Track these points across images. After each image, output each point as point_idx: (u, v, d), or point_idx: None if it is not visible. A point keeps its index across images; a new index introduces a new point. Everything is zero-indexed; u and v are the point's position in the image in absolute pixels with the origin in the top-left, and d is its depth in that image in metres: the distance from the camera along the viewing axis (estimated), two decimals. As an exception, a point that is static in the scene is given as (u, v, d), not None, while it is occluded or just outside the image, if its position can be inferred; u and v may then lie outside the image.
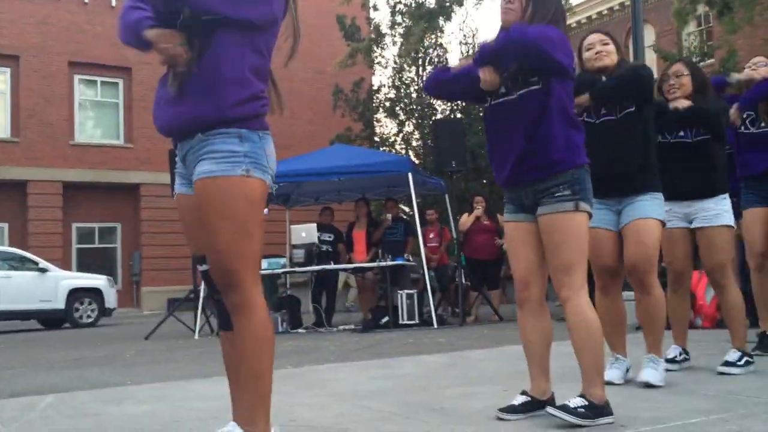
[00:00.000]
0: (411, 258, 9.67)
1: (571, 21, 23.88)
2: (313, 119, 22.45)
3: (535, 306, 2.82)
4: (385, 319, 8.79)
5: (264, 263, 9.84)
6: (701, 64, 18.04)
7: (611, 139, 3.44)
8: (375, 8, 19.49)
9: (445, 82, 2.96)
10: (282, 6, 2.21)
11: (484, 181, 16.93)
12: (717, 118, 3.84)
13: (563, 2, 16.69)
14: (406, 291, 8.81)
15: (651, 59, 16.44)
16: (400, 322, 8.67)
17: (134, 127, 21.65)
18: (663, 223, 3.49)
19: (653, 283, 3.43)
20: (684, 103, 3.80)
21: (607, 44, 3.56)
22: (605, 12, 24.51)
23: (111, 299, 14.70)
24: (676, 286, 4.01)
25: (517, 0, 2.79)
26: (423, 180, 10.55)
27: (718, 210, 3.82)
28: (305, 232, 9.53)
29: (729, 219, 3.85)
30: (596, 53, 3.55)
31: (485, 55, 2.74)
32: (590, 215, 2.75)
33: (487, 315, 10.00)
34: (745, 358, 3.76)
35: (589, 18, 24.95)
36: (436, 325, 8.58)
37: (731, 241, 3.93)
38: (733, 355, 3.77)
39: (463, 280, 9.37)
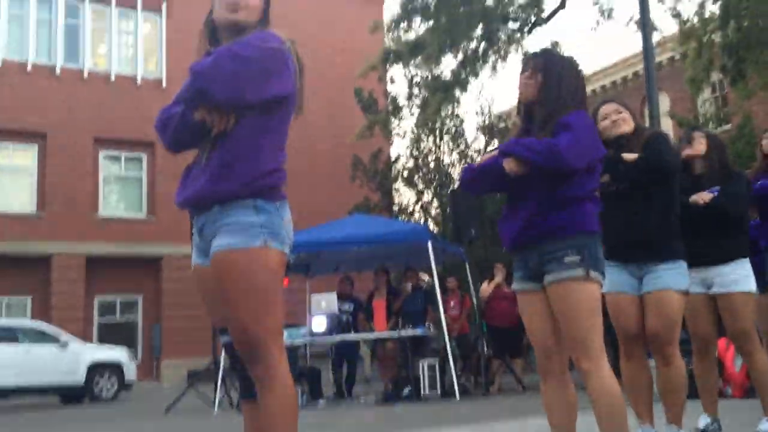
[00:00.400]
0: (432, 327, 9.57)
1: (586, 90, 24.27)
2: (332, 190, 22.67)
3: (558, 377, 2.75)
4: (407, 390, 8.65)
5: (285, 333, 9.77)
6: (718, 129, 18.13)
7: (629, 206, 3.38)
8: (392, 81, 19.94)
9: (475, 180, 2.92)
10: (293, 81, 2.28)
11: (504, 248, 16.86)
12: (737, 204, 3.83)
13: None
14: (427, 361, 8.69)
15: (667, 125, 16.55)
16: (422, 392, 8.52)
17: (157, 201, 21.99)
18: (686, 292, 3.39)
19: (674, 354, 3.35)
20: (705, 197, 3.79)
21: (621, 113, 3.54)
22: (619, 81, 24.85)
23: (131, 373, 14.62)
24: (702, 354, 3.92)
25: (538, 73, 2.77)
26: (442, 248, 10.54)
27: (736, 276, 3.76)
28: (325, 302, 9.49)
29: (748, 284, 3.78)
30: (612, 121, 3.52)
31: (511, 152, 2.71)
32: (601, 285, 2.68)
33: (510, 384, 9.80)
34: None
35: (603, 87, 25.29)
36: (458, 396, 8.41)
37: (752, 306, 3.85)
38: (765, 425, 3.65)
39: (485, 349, 9.23)
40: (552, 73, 2.76)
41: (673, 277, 3.33)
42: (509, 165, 2.67)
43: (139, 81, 22.43)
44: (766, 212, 4.44)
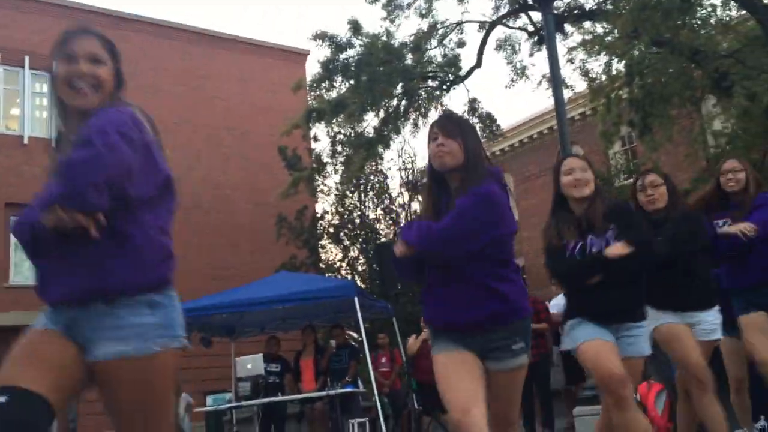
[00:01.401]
0: (361, 384, 9.43)
1: (503, 146, 25.04)
2: (256, 249, 22.34)
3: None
4: (337, 451, 8.44)
5: (209, 400, 9.45)
6: (628, 180, 18.92)
7: (604, 281, 3.37)
8: (315, 139, 20.05)
9: (403, 268, 2.91)
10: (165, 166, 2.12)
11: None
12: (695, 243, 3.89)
13: (495, 127, 17.55)
14: (357, 420, 8.53)
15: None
16: (353, 453, 8.33)
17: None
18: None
19: (631, 403, 3.30)
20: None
21: (585, 171, 3.48)
22: (535, 136, 25.76)
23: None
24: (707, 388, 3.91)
25: (454, 142, 2.66)
26: (370, 304, 10.49)
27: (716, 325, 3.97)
28: (251, 364, 9.25)
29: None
30: (576, 180, 3.46)
31: (401, 237, 2.69)
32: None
33: (441, 440, 9.70)
34: None
35: (521, 142, 26.16)
36: (389, 455, 8.27)
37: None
38: None
39: (416, 405, 9.14)
40: (468, 140, 2.70)
41: (644, 343, 3.46)
42: (398, 249, 2.68)
43: (53, 143, 21.79)
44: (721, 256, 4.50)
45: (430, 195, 2.80)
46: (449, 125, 2.72)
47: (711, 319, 3.89)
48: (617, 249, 3.30)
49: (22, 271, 21.30)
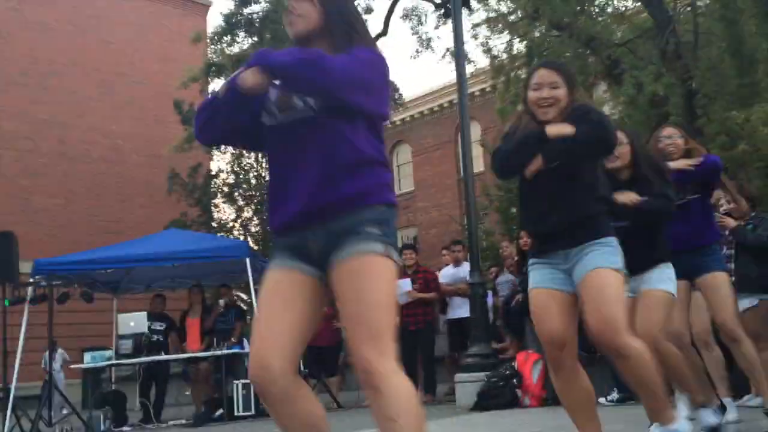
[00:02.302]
0: (247, 345, 9.38)
1: (403, 116, 25.22)
2: (147, 203, 21.62)
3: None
4: (220, 412, 8.38)
5: (87, 357, 9.15)
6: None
7: (551, 190, 2.93)
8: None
9: (213, 116, 2.16)
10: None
11: (271, 232, 17.02)
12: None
13: (397, 96, 17.62)
14: (242, 381, 8.49)
15: (478, 152, 17.60)
16: (236, 413, 8.30)
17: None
18: (622, 273, 2.89)
19: (627, 343, 2.78)
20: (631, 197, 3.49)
21: (556, 88, 2.95)
22: (436, 108, 26.09)
23: None
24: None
25: (303, 5, 2.17)
26: (262, 266, 10.38)
27: (663, 277, 3.58)
28: (134, 321, 9.00)
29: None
30: (540, 98, 2.97)
31: (267, 64, 2.02)
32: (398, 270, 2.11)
33: (326, 402, 9.82)
34: None
35: (421, 113, 26.43)
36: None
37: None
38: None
39: (302, 368, 9.19)
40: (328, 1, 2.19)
41: (604, 255, 2.85)
42: (247, 78, 2.00)
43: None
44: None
45: None
46: None
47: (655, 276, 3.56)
48: (558, 128, 2.87)
49: None
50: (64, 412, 8.98)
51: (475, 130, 21.18)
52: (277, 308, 2.07)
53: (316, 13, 2.16)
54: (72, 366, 10.86)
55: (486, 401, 6.92)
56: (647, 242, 3.57)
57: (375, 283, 2.00)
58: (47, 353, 11.06)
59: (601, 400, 5.64)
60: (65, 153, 20.88)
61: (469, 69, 12.72)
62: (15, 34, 20.51)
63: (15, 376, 8.13)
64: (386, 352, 1.94)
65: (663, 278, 3.55)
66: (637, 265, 3.50)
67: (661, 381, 2.94)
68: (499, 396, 6.90)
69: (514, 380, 6.94)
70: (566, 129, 2.85)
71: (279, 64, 2.00)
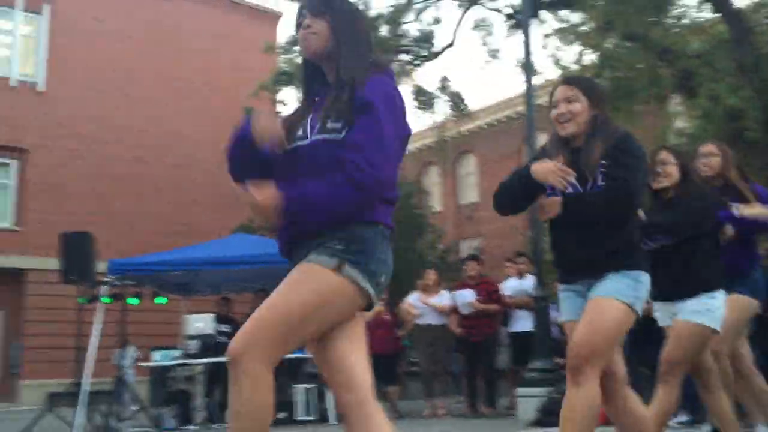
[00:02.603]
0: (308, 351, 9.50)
1: (470, 126, 25.12)
2: (216, 208, 22.16)
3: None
4: (281, 415, 8.51)
5: (156, 355, 9.43)
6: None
7: (575, 226, 2.85)
8: (284, 103, 19.84)
9: (235, 159, 2.38)
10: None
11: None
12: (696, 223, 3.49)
13: (463, 107, 17.59)
14: (303, 385, 8.60)
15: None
16: (296, 417, 8.41)
17: (25, 211, 20.70)
18: (632, 308, 2.76)
19: (586, 375, 2.69)
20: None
21: (572, 102, 2.91)
22: (503, 119, 25.90)
23: (-17, 393, 13.58)
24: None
25: (319, 22, 2.13)
26: (325, 272, 10.51)
27: (699, 308, 3.41)
28: (201, 323, 9.24)
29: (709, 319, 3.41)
30: (558, 114, 2.95)
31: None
32: (359, 287, 2.01)
33: (385, 411, 9.84)
34: None
35: (488, 124, 26.27)
36: (333, 421, 8.37)
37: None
38: None
39: (362, 375, 9.24)
40: (341, 19, 2.14)
41: (618, 285, 2.75)
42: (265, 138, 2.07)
43: (13, 83, 21.18)
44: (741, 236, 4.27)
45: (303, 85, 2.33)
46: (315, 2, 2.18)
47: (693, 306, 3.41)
48: (551, 203, 2.85)
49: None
50: (134, 408, 9.27)
51: (542, 142, 20.94)
52: None
53: (329, 31, 2.13)
54: (141, 364, 11.20)
55: (547, 417, 6.81)
56: (684, 267, 3.43)
57: (286, 285, 2.01)
58: (119, 351, 11.47)
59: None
60: (141, 157, 21.63)
61: (537, 80, 12.62)
62: (96, 42, 21.42)
63: (88, 372, 8.46)
64: (251, 346, 1.93)
65: (698, 308, 3.39)
66: (672, 291, 3.44)
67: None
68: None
69: (577, 397, 6.81)
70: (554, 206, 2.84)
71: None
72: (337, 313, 2.05)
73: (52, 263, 11.92)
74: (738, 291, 3.91)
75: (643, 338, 3.64)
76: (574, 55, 13.98)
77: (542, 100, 22.61)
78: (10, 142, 20.53)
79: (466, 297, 8.83)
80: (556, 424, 5.59)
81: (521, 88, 10.02)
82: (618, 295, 2.73)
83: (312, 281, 1.99)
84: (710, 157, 4.03)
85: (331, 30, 2.13)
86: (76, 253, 8.41)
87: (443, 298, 9.33)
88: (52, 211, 19.87)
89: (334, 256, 2.00)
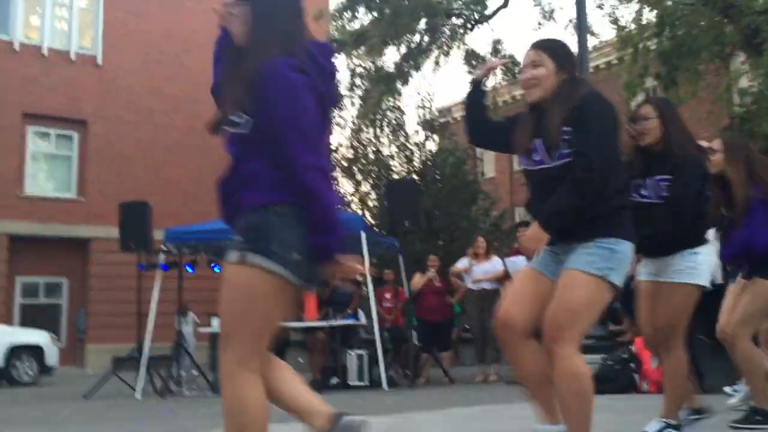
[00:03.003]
0: (363, 317, 9.59)
1: (506, 98, 24.63)
2: (270, 177, 22.39)
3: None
4: (334, 379, 8.63)
5: (214, 321, 9.63)
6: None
7: (549, 189, 2.71)
8: (335, 70, 19.84)
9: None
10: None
11: (439, 242, 17.03)
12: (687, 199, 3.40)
13: (517, 71, 17.23)
14: (356, 351, 8.69)
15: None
16: (349, 383, 8.52)
17: (87, 181, 21.32)
18: (605, 280, 2.63)
19: (562, 353, 2.60)
20: None
21: (538, 66, 2.77)
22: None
23: (53, 357, 14.16)
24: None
25: (241, 5, 2.14)
26: (377, 240, 10.54)
27: (684, 267, 3.38)
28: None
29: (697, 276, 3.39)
30: (525, 81, 2.83)
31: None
32: (272, 274, 2.02)
33: (438, 377, 9.90)
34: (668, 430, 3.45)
35: (542, 87, 25.69)
36: (385, 387, 8.45)
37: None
38: (654, 426, 3.47)
39: (415, 342, 9.29)
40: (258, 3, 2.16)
41: (590, 258, 2.64)
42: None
43: (73, 56, 21.67)
44: None
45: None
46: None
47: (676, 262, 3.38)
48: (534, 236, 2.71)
49: (38, 181, 21.51)
50: (193, 373, 9.53)
51: (599, 105, 20.40)
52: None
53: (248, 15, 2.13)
54: (201, 330, 11.48)
55: (601, 384, 6.72)
56: (669, 223, 3.34)
57: (224, 293, 2.08)
58: (178, 317, 11.77)
59: (726, 389, 5.34)
60: (197, 128, 21.89)
61: (593, 41, 12.25)
62: (152, 14, 21.71)
63: (148, 337, 8.72)
64: (238, 356, 2.04)
65: (683, 268, 3.38)
66: (656, 247, 3.39)
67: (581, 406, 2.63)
68: (615, 380, 6.69)
69: (632, 365, 6.71)
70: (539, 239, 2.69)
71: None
72: (273, 303, 2.06)
73: (114, 232, 12.31)
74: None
75: (701, 306, 3.56)
76: (632, 14, 13.51)
77: (599, 61, 22.01)
78: (72, 115, 21.10)
79: (519, 263, 8.73)
80: (609, 391, 5.54)
81: (575, 50, 9.74)
82: (587, 268, 2.62)
83: (233, 288, 2.07)
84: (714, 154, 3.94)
85: (249, 13, 2.13)
86: (135, 222, 8.63)
87: (495, 265, 9.26)
88: (112, 181, 20.41)
89: (234, 250, 2.06)
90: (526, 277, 2.86)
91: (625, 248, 2.67)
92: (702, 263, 3.43)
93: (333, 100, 2.18)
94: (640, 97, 19.77)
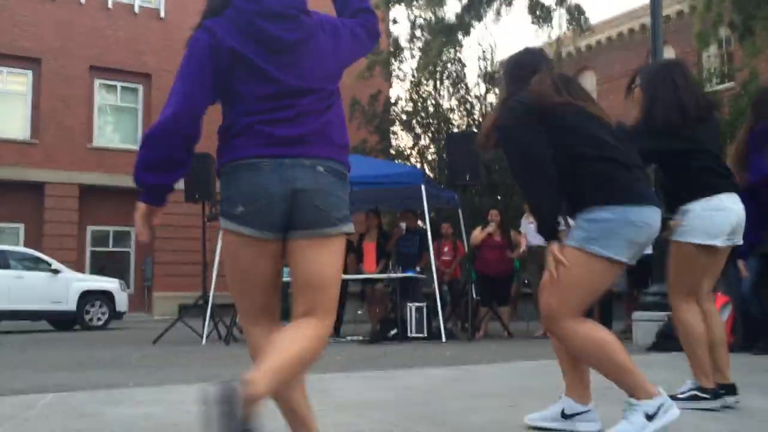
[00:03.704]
0: (422, 271, 9.62)
1: (590, 41, 23.88)
2: (330, 130, 22.44)
3: None
4: (394, 332, 8.73)
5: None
6: (721, 86, 17.92)
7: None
8: (395, 21, 19.55)
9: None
10: None
11: (498, 196, 16.87)
12: None
13: (583, 20, 16.69)
14: (415, 304, 8.75)
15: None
16: (409, 334, 8.60)
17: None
18: (585, 251, 2.57)
19: (562, 331, 2.62)
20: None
21: None
22: (626, 32, 24.46)
23: (122, 303, 14.75)
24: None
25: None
26: (436, 193, 10.50)
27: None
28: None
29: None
30: None
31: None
32: (233, 230, 2.04)
33: (497, 331, 9.91)
34: None
35: (609, 38, 24.90)
36: (444, 339, 8.51)
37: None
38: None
39: (474, 295, 9.29)
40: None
41: (571, 233, 2.65)
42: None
43: (136, 9, 21.97)
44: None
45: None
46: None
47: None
48: None
49: (106, 133, 22.11)
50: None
51: (669, 55, 19.65)
52: None
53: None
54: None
55: (666, 342, 6.62)
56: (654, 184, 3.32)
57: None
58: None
59: None
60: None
61: (665, -12, 11.70)
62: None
63: (213, 285, 8.95)
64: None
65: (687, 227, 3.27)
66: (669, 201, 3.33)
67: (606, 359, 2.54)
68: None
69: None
70: None
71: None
72: (249, 261, 2.07)
73: (179, 183, 12.54)
74: None
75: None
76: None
77: (669, 10, 21.12)
78: (136, 68, 21.50)
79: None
80: (673, 349, 5.42)
81: (647, -3, 9.35)
82: (569, 242, 2.61)
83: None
84: None
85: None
86: (198, 173, 8.78)
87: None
88: (176, 133, 20.83)
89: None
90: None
91: (604, 215, 2.56)
92: (692, 220, 3.29)
93: (274, 40, 2.01)
94: (713, 49, 18.98)
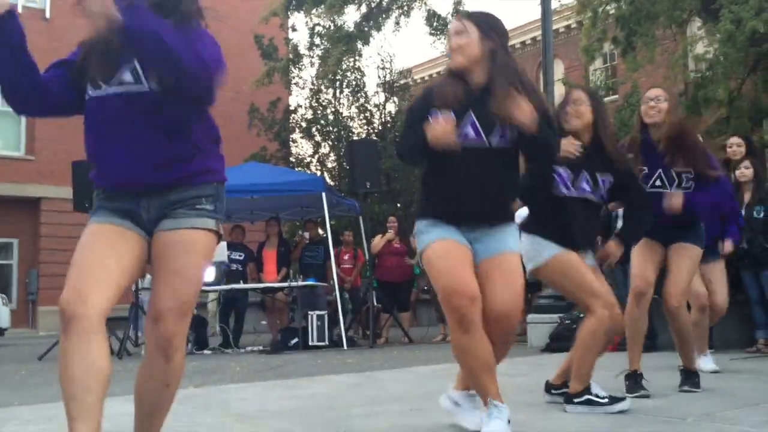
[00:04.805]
0: (323, 279, 9.60)
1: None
2: (228, 137, 21.75)
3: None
4: (295, 341, 8.65)
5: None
6: (606, 99, 18.86)
7: (477, 176, 2.73)
8: (294, 29, 19.46)
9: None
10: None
11: (398, 204, 17.07)
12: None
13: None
14: (316, 312, 8.70)
15: (560, 92, 17.07)
16: (310, 343, 8.54)
17: (36, 139, 20.71)
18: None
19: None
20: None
21: (461, 33, 2.79)
22: (518, 45, 25.34)
23: (3, 318, 13.90)
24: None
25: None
26: (337, 201, 10.51)
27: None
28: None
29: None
30: (450, 49, 2.87)
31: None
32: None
33: (397, 337, 10.00)
34: None
35: (502, 50, 25.69)
36: (346, 347, 8.50)
37: None
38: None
39: (375, 302, 9.34)
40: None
41: (512, 238, 2.81)
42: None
43: (19, 9, 20.84)
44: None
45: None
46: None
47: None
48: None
49: None
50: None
51: (558, 68, 20.53)
52: (104, 252, 2.12)
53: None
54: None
55: (558, 343, 6.88)
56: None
57: (195, 258, 2.12)
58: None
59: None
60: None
61: (554, 4, 12.23)
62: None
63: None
64: (185, 328, 2.10)
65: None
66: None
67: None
68: (571, 338, 6.80)
69: (588, 324, 6.86)
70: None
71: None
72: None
73: (65, 192, 11.93)
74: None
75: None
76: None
77: (558, 25, 22.01)
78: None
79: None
80: (566, 350, 5.63)
81: (535, 13, 9.75)
82: (516, 248, 2.82)
83: (207, 248, 2.23)
84: (658, 102, 3.82)
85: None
86: (89, 181, 8.41)
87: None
88: (62, 139, 19.84)
89: (211, 218, 2.21)
90: (457, 249, 2.74)
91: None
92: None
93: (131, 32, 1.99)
94: (599, 62, 19.96)
